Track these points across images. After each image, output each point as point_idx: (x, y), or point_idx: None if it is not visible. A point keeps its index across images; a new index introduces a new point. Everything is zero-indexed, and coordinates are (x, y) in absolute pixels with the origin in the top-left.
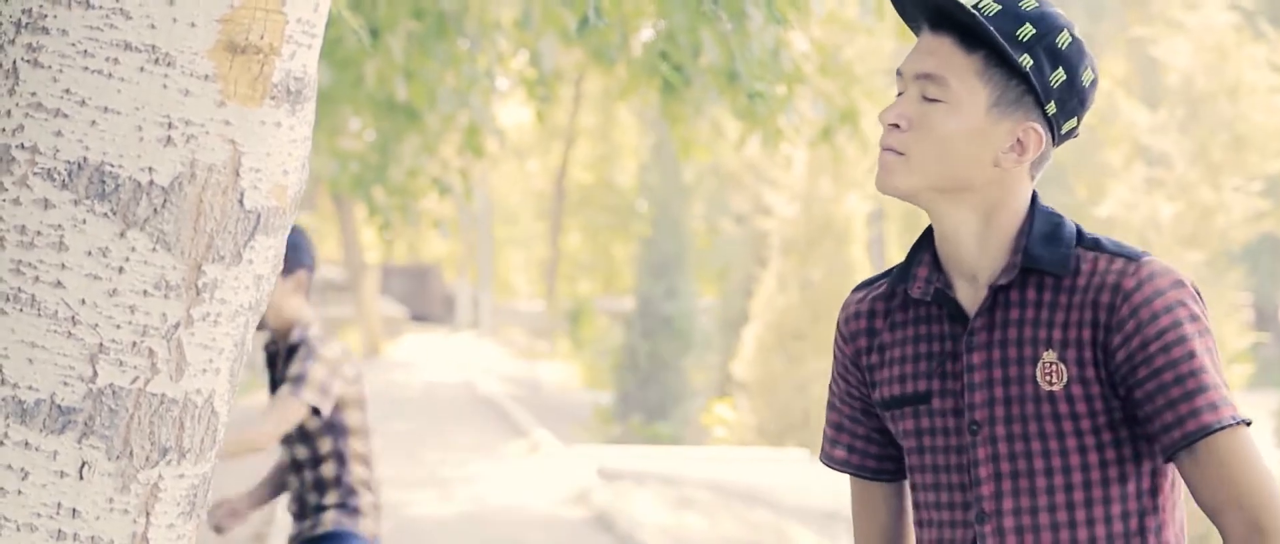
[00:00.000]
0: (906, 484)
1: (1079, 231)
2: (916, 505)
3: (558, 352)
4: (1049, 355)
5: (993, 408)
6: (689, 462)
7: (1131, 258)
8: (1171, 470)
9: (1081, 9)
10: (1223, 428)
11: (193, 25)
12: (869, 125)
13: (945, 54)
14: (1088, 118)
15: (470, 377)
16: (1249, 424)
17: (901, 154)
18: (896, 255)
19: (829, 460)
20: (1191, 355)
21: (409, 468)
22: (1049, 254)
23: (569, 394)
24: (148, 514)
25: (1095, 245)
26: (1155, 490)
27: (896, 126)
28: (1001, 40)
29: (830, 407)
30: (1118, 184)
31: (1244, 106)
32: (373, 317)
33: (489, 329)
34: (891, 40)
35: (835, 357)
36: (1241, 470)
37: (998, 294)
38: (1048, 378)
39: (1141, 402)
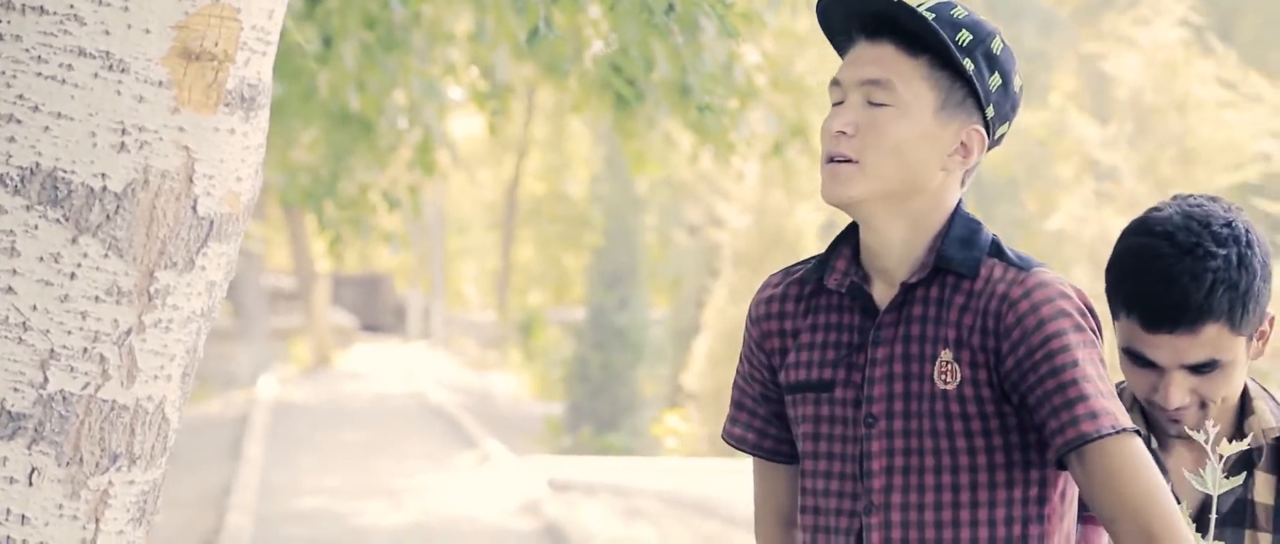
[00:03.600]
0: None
1: (995, 241)
2: (803, 491)
3: (509, 362)
4: (946, 354)
5: (891, 402)
6: (640, 473)
7: (1023, 268)
8: (1062, 481)
9: (1033, 23)
10: (1102, 436)
11: (147, 31)
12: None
13: (889, 59)
14: (1038, 132)
15: (421, 387)
16: (1138, 433)
17: (854, 162)
18: None
19: (728, 437)
20: (1074, 364)
21: (359, 478)
22: (961, 256)
23: (520, 405)
24: (97, 521)
25: (998, 253)
26: (1042, 499)
27: (844, 134)
28: (948, 42)
29: (735, 385)
30: (1068, 198)
31: (1193, 121)
32: (323, 326)
33: (440, 339)
34: None
35: (744, 338)
36: (1128, 478)
37: (908, 291)
38: (943, 376)
39: (1032, 409)
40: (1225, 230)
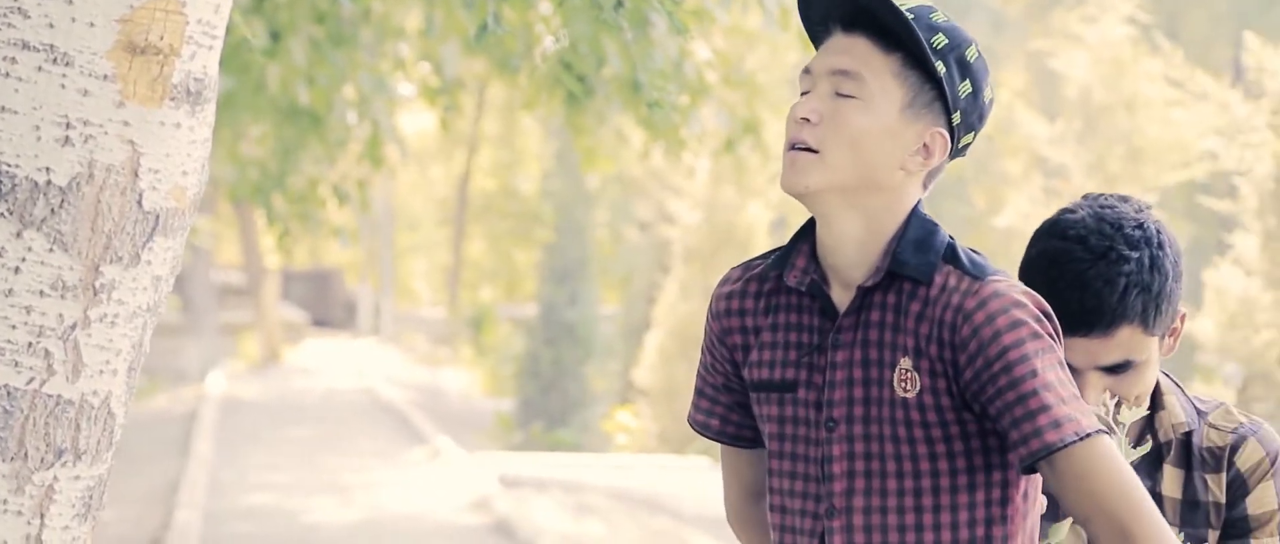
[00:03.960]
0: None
1: (950, 244)
2: (771, 490)
3: (460, 358)
4: (905, 362)
5: (851, 407)
6: (590, 469)
7: (977, 277)
8: (1024, 482)
9: (983, 21)
10: (1066, 445)
11: (92, 25)
12: (771, 136)
13: (862, 52)
14: (987, 129)
15: (371, 383)
16: (1109, 433)
17: (815, 151)
18: None
19: (693, 422)
20: (1033, 374)
21: (308, 474)
22: (915, 260)
23: (471, 401)
24: (42, 516)
25: (953, 258)
26: (1005, 501)
27: (807, 121)
28: (923, 42)
29: (698, 374)
30: (1016, 194)
31: (1140, 119)
32: (273, 322)
33: (391, 335)
34: (795, 52)
35: (705, 329)
36: (1101, 481)
37: (865, 295)
38: (903, 384)
39: (995, 419)
40: (1137, 233)
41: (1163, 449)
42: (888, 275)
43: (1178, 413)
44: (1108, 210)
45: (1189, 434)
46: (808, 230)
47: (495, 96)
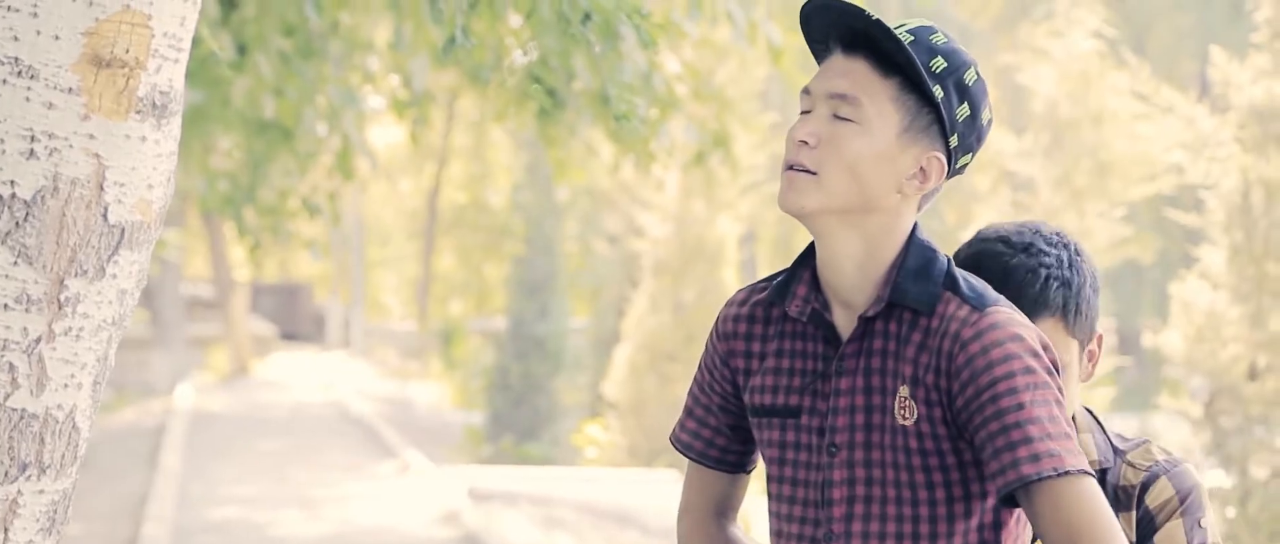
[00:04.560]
0: (743, 478)
1: (949, 271)
2: (773, 514)
3: (429, 372)
4: (904, 391)
5: (853, 434)
6: (560, 482)
7: (977, 308)
8: (1018, 509)
9: (951, 35)
10: (1042, 479)
11: (57, 38)
12: (741, 149)
13: (860, 76)
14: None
15: (341, 396)
16: (1089, 475)
17: (813, 172)
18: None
19: (676, 441)
20: (1019, 407)
21: (277, 488)
22: (916, 290)
23: (440, 414)
24: (6, 530)
25: (954, 286)
26: (997, 525)
27: (805, 144)
28: (919, 67)
29: (690, 391)
30: (985, 209)
31: (1107, 134)
32: (242, 335)
33: (360, 349)
34: (763, 66)
35: (706, 348)
36: (1074, 517)
37: (867, 324)
38: (902, 412)
39: (978, 448)
40: (1055, 236)
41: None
42: (889, 304)
43: (1091, 450)
44: (1027, 223)
45: (1104, 472)
46: (808, 256)
47: (465, 109)
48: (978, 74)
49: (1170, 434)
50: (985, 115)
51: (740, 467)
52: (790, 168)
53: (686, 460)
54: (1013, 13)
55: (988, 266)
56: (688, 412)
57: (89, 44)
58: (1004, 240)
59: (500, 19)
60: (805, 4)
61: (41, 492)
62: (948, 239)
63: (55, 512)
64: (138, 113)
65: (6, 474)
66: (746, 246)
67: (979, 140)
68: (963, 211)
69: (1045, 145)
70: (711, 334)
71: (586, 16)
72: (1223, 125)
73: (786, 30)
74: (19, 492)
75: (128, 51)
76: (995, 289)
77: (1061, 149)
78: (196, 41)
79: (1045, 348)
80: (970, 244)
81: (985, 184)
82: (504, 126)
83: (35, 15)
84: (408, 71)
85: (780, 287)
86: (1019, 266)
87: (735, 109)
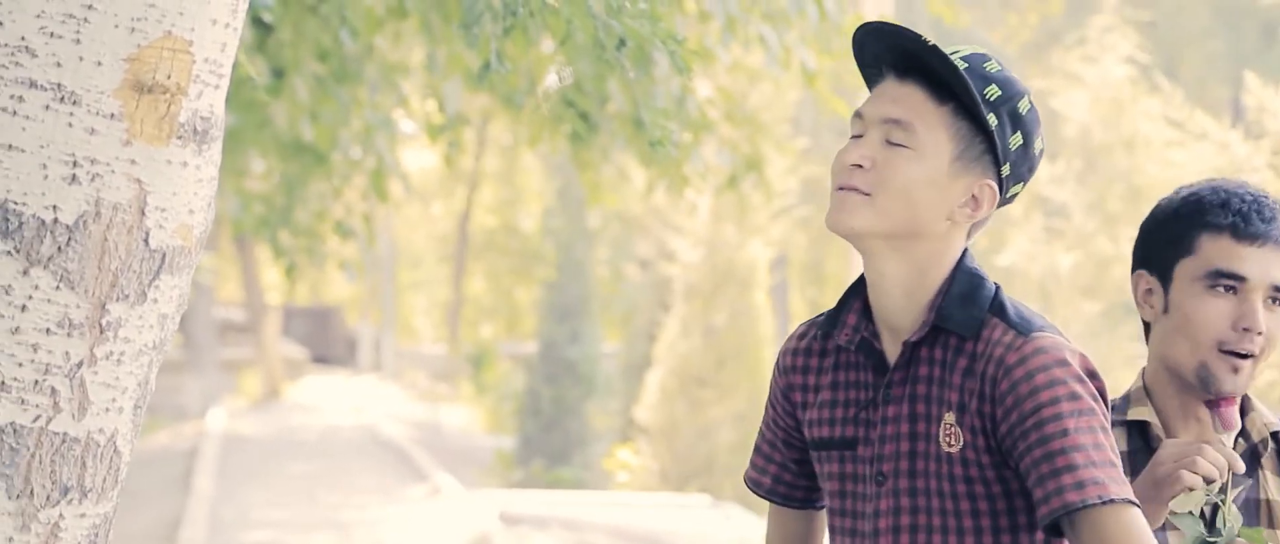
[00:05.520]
0: (819, 515)
1: (997, 296)
2: None
3: (460, 395)
4: (949, 417)
5: (898, 461)
6: (591, 507)
7: (1022, 333)
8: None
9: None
10: (1087, 507)
11: (99, 64)
12: (773, 173)
13: (914, 102)
14: None
15: (372, 419)
16: (1135, 505)
17: (867, 194)
18: (799, 302)
19: (747, 478)
20: (1064, 433)
21: (308, 511)
22: (961, 315)
23: (471, 438)
24: None
25: (1000, 312)
26: None
27: (859, 167)
28: (976, 95)
29: (760, 429)
30: (1017, 234)
31: (1140, 159)
32: (274, 358)
33: (391, 372)
34: (796, 90)
35: (771, 384)
36: None
37: (912, 350)
38: (948, 439)
39: (1023, 475)
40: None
41: (1259, 449)
42: (933, 329)
43: (1266, 413)
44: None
45: (1277, 435)
46: (860, 285)
47: (496, 134)
48: (1031, 104)
49: None
50: (1037, 145)
51: (810, 502)
52: (841, 189)
53: (743, 493)
54: (1045, 38)
55: (1231, 189)
56: (756, 449)
57: (131, 70)
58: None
59: (534, 44)
60: (859, 27)
61: (83, 515)
62: (981, 263)
63: (96, 535)
64: (179, 138)
65: (48, 498)
66: (778, 271)
67: (1030, 170)
68: (995, 236)
69: (1078, 171)
70: (774, 370)
71: (621, 42)
72: (1256, 151)
73: (820, 54)
74: (60, 515)
75: (169, 77)
76: (1248, 201)
77: (1095, 174)
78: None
79: (1091, 374)
80: (1177, 194)
81: (1018, 209)
82: (535, 151)
83: (78, 41)
84: (442, 95)
85: (832, 316)
86: (1263, 196)
87: (768, 133)
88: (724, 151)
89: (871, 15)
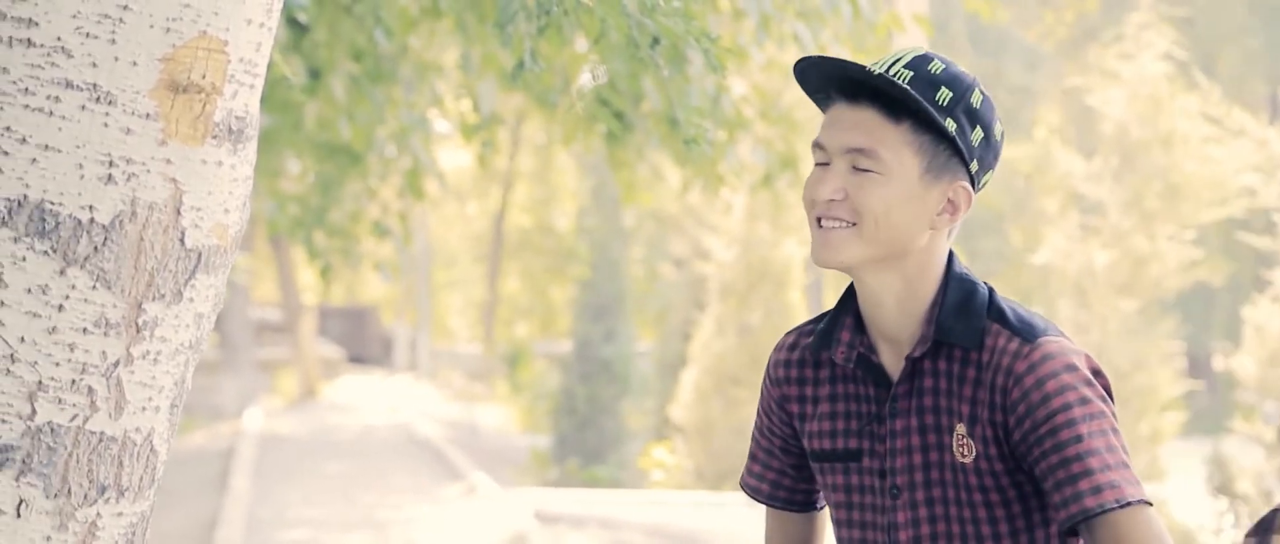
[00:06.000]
0: (818, 515)
1: (990, 299)
2: None
3: (495, 395)
4: (961, 429)
5: (912, 474)
6: (626, 505)
7: (1027, 339)
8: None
9: (1017, 58)
10: (1105, 511)
11: (134, 64)
12: (808, 169)
13: (872, 126)
14: (1024, 166)
15: (407, 419)
16: (1149, 504)
17: (851, 224)
18: (833, 300)
19: (744, 485)
20: (1078, 439)
21: (345, 510)
22: (961, 327)
23: (506, 437)
24: None
25: (1000, 318)
26: None
27: (834, 201)
28: (929, 109)
29: (753, 435)
30: (1053, 232)
31: (1177, 156)
32: (310, 358)
33: (426, 371)
34: None
35: (762, 392)
36: None
37: (915, 364)
38: (961, 450)
39: (1040, 481)
40: None
41: None
42: (934, 343)
43: None
44: None
45: None
46: (848, 299)
47: (531, 133)
48: (982, 93)
49: (1243, 459)
50: (997, 131)
51: (810, 506)
52: (821, 224)
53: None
54: (1081, 35)
55: None
56: (752, 455)
57: (166, 70)
58: None
59: (568, 43)
60: (798, 62)
61: (120, 514)
62: (1015, 262)
63: (133, 534)
64: (214, 138)
65: (86, 497)
66: (812, 270)
67: (995, 157)
68: (1031, 234)
69: (1115, 168)
70: (765, 377)
71: (655, 41)
72: None
73: (855, 52)
74: (98, 514)
75: (204, 77)
76: None
77: (1131, 171)
78: (268, 66)
79: (1097, 374)
80: None
81: (1053, 206)
82: (570, 150)
83: (113, 42)
84: (476, 95)
85: (824, 334)
86: None
87: (803, 131)
88: (759, 150)
89: (904, 13)
